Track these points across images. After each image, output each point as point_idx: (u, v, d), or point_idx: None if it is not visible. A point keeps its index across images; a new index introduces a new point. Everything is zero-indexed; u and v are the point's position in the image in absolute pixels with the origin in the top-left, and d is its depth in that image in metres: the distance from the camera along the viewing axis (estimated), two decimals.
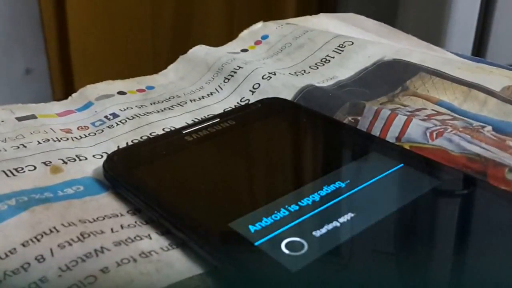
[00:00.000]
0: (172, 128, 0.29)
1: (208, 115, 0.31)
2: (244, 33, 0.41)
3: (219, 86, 0.34)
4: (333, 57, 0.36)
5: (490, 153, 0.25)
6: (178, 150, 0.26)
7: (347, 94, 0.32)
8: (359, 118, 0.29)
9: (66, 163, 0.26)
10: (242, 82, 0.34)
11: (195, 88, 0.35)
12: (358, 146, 0.27)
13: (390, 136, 0.28)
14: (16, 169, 0.25)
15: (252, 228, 0.20)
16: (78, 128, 0.30)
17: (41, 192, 0.24)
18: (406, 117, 0.28)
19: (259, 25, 0.42)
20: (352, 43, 0.37)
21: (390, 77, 0.33)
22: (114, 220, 0.22)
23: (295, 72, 0.35)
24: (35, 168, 0.26)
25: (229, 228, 0.20)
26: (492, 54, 0.82)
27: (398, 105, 0.31)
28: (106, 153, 0.27)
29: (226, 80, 0.34)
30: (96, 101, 0.33)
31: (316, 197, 0.22)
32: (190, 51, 0.38)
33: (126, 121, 0.30)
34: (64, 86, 1.05)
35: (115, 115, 0.31)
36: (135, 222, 0.22)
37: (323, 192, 0.22)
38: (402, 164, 0.24)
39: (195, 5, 1.09)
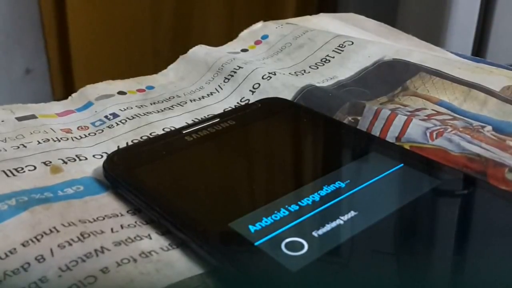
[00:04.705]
0: (172, 128, 0.29)
1: (208, 115, 0.31)
2: (244, 33, 0.41)
3: (219, 86, 0.34)
4: (333, 57, 0.36)
5: (490, 153, 0.25)
6: (178, 150, 0.26)
7: (347, 94, 0.32)
8: (359, 118, 0.29)
9: (66, 163, 0.26)
10: (242, 82, 0.34)
11: (195, 88, 0.35)
12: (358, 146, 0.27)
13: (390, 136, 0.28)
14: (16, 169, 0.25)
15: (252, 228, 0.20)
16: (78, 128, 0.30)
17: (41, 192, 0.24)
18: (406, 117, 0.28)
19: (259, 25, 0.42)
20: (352, 43, 0.37)
21: (390, 77, 0.33)
22: (114, 220, 0.22)
23: (295, 72, 0.35)
24: (35, 168, 0.26)
25: (229, 228, 0.20)
26: (492, 54, 0.82)
27: (398, 105, 0.31)
28: (106, 153, 0.27)
29: (226, 80, 0.34)
30: (96, 101, 0.33)
31: (316, 197, 0.22)
32: (190, 51, 0.38)
33: (126, 121, 0.30)
34: (64, 86, 1.05)
35: (115, 115, 0.31)
36: (135, 222, 0.22)
37: (323, 192, 0.22)
38: (402, 164, 0.24)
39: (195, 5, 1.09)
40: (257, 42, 0.40)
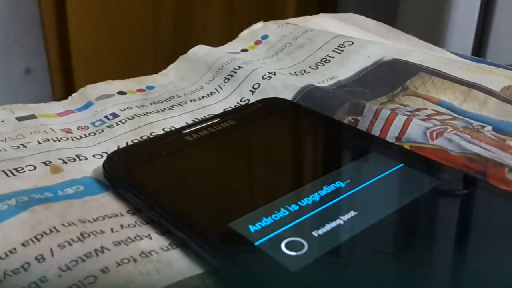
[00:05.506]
0: (172, 128, 0.29)
1: (208, 115, 0.31)
2: (244, 33, 0.41)
3: (219, 86, 0.34)
4: (333, 57, 0.36)
5: (490, 153, 0.25)
6: (178, 150, 0.26)
7: (347, 94, 0.32)
8: (359, 118, 0.29)
9: (66, 163, 0.26)
10: (242, 82, 0.34)
11: (195, 88, 0.35)
12: (358, 146, 0.27)
13: (390, 136, 0.28)
14: (16, 169, 0.25)
15: (252, 228, 0.20)
16: (78, 128, 0.30)
17: (41, 192, 0.24)
18: (406, 117, 0.28)
19: (259, 25, 0.42)
20: (352, 43, 0.37)
21: (390, 77, 0.33)
22: (114, 220, 0.22)
23: (295, 72, 0.35)
24: (35, 168, 0.26)
25: (229, 228, 0.20)
26: (492, 54, 0.82)
27: (398, 105, 0.31)
28: (106, 153, 0.27)
29: (226, 80, 0.34)
30: (96, 101, 0.33)
31: (316, 197, 0.22)
32: (190, 51, 0.38)
33: (126, 121, 0.30)
34: (64, 86, 1.05)
35: (115, 115, 0.31)
36: (135, 222, 0.22)
37: (323, 192, 0.22)
38: (402, 164, 0.24)
39: (195, 5, 1.09)
40: (257, 42, 0.40)
